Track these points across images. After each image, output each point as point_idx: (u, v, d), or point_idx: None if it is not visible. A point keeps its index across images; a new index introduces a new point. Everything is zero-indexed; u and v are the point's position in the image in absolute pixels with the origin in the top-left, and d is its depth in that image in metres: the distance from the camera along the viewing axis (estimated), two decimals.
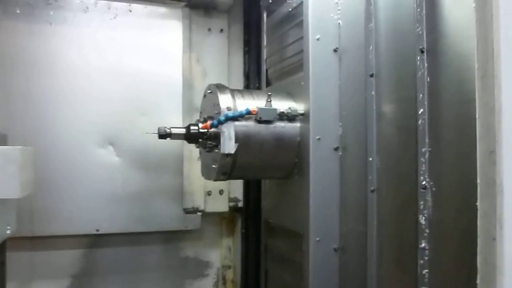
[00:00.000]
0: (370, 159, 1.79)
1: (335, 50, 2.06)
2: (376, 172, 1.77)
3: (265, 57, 2.83)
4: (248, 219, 3.08)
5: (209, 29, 3.07)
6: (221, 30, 3.10)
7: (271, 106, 2.18)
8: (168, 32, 2.93)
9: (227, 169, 2.17)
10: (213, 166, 2.20)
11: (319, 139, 2.03)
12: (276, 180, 2.55)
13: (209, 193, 3.03)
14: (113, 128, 2.81)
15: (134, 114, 2.84)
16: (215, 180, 2.28)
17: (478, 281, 1.22)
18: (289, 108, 2.20)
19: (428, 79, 1.51)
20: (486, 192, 1.22)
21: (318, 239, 2.02)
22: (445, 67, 1.45)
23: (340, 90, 2.04)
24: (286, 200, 2.44)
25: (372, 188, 1.78)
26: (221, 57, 3.09)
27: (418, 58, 1.53)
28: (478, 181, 1.25)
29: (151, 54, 2.90)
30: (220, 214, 3.19)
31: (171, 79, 2.91)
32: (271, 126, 2.18)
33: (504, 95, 1.18)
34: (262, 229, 2.81)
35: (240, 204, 3.11)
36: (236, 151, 2.08)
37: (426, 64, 1.51)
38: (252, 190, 3.05)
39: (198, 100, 2.98)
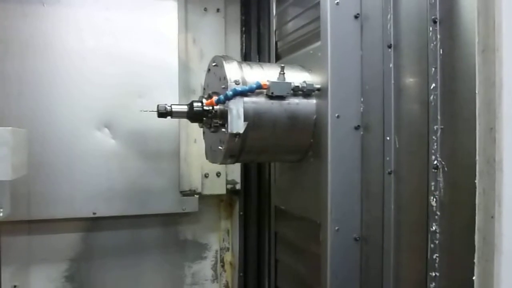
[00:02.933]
0: (388, 138, 1.63)
1: (356, 17, 1.81)
2: (394, 152, 1.61)
3: (274, 29, 2.56)
4: (246, 201, 3.03)
5: (205, 9, 2.97)
6: (218, 10, 2.99)
7: (284, 79, 1.92)
8: (163, 12, 2.81)
9: (235, 151, 1.93)
10: (220, 147, 1.95)
11: (338, 116, 1.79)
12: (288, 163, 2.32)
13: (206, 176, 2.96)
14: (109, 111, 2.72)
15: (130, 96, 2.74)
16: (221, 163, 2.08)
17: (475, 259, 1.18)
18: (304, 82, 1.94)
19: (441, 52, 1.39)
20: (485, 170, 1.17)
21: (337, 228, 1.79)
22: (459, 38, 1.34)
23: (362, 62, 1.80)
24: (299, 185, 2.20)
25: (390, 170, 1.63)
26: (218, 38, 3.00)
27: (431, 29, 1.42)
28: (477, 158, 1.22)
29: (146, 35, 2.79)
30: (218, 197, 3.13)
31: (167, 60, 2.81)
32: (284, 102, 1.93)
33: (506, 70, 1.12)
34: (271, 216, 2.60)
35: (238, 187, 3.04)
36: (245, 131, 1.83)
37: (438, 36, 1.40)
38: (250, 172, 2.99)
39: (195, 81, 2.94)
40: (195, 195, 2.94)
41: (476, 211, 1.20)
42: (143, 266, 3.01)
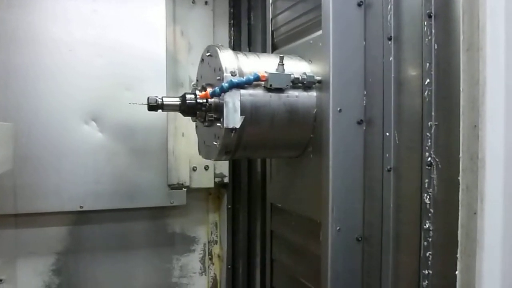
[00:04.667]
0: (387, 134, 1.57)
1: (359, 4, 1.70)
2: (393, 149, 1.55)
3: (270, 17, 2.42)
4: (235, 194, 3.03)
5: (193, 1, 2.92)
6: (206, 3, 2.95)
7: (283, 70, 1.80)
8: (151, 4, 2.75)
9: (231, 147, 1.81)
10: (214, 143, 1.84)
11: (340, 110, 1.68)
12: (286, 159, 2.20)
13: (194, 169, 2.92)
14: (96, 104, 2.66)
15: (117, 89, 2.68)
16: (216, 160, 1.99)
17: (458, 255, 1.18)
18: (304, 73, 1.82)
19: (436, 47, 1.36)
20: (468, 167, 1.19)
21: (338, 228, 1.69)
22: (454, 34, 1.30)
23: (366, 53, 1.69)
24: (298, 183, 2.08)
25: (389, 167, 1.56)
26: (206, 30, 2.96)
27: (425, 23, 1.38)
28: (461, 155, 1.23)
29: (134, 27, 2.73)
30: (206, 190, 3.10)
31: (154, 53, 2.75)
32: (283, 95, 1.83)
33: (489, 69, 1.14)
34: (267, 214, 2.50)
35: (226, 180, 3.02)
36: (241, 126, 1.72)
37: (433, 30, 1.36)
38: (239, 165, 2.97)
39: (183, 74, 2.89)
40: (183, 189, 2.90)
41: (460, 208, 1.21)
42: (131, 259, 2.97)
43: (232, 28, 3.05)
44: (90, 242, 2.88)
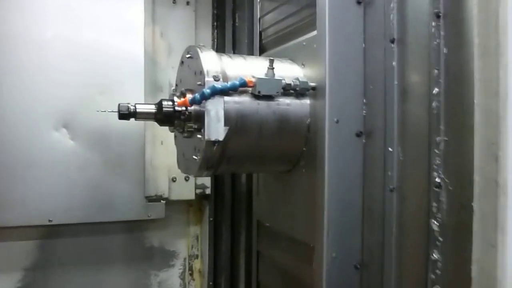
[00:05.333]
0: (390, 149, 1.39)
1: (358, 2, 1.54)
2: (397, 166, 1.37)
3: (258, 16, 2.23)
4: (217, 206, 2.88)
5: (174, 1, 2.76)
6: (188, 3, 2.79)
7: (273, 75, 1.62)
8: (129, 2, 2.57)
9: (213, 161, 1.61)
10: (194, 157, 1.64)
11: (337, 121, 1.51)
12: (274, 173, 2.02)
13: (173, 180, 2.74)
14: (67, 109, 2.45)
15: (90, 92, 2.48)
16: (197, 176, 1.75)
17: None
18: (297, 79, 1.64)
19: (445, 51, 1.20)
20: (485, 191, 1.03)
21: (334, 254, 1.51)
22: (466, 36, 1.13)
23: (366, 56, 1.52)
24: (288, 200, 1.89)
25: (392, 187, 1.39)
26: (187, 32, 2.80)
27: (433, 24, 1.21)
28: (475, 177, 1.06)
29: (110, 26, 2.54)
30: (186, 202, 2.93)
31: (132, 54, 2.56)
32: (272, 103, 1.64)
33: (511, 78, 1.00)
34: (253, 232, 2.30)
35: (208, 191, 2.86)
36: (225, 138, 1.53)
37: (442, 32, 1.20)
38: (221, 176, 2.79)
39: (162, 78, 2.73)
40: (162, 201, 2.73)
41: (473, 238, 1.04)
42: (106, 275, 2.81)
43: (216, 30, 2.91)
44: (61, 257, 2.71)
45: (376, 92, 1.48)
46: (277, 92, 1.63)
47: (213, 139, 1.52)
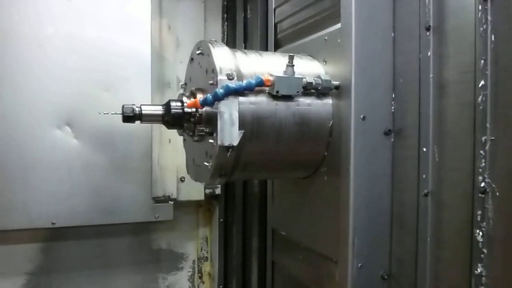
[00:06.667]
0: (424, 149, 1.26)
1: None
2: (432, 168, 1.24)
3: (273, 6, 2.05)
4: (227, 207, 2.77)
5: None
6: None
7: (293, 73, 1.46)
8: None
9: (226, 168, 1.46)
10: (206, 163, 1.49)
11: (363, 118, 1.37)
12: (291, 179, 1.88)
13: (182, 180, 2.63)
14: (70, 106, 2.34)
15: (95, 89, 2.36)
16: (209, 184, 1.63)
17: None
18: (319, 77, 1.49)
19: (493, 38, 1.05)
20: None
21: (360, 264, 1.38)
22: None
23: (395, 47, 1.38)
24: (307, 209, 1.73)
25: (426, 191, 1.26)
26: (196, 25, 2.69)
27: (479, 7, 1.06)
28: None
29: (115, 20, 2.41)
30: (195, 202, 2.83)
31: (138, 49, 2.43)
32: (292, 104, 1.48)
33: None
34: (268, 242, 2.16)
35: (218, 191, 2.74)
36: (240, 142, 1.39)
37: (490, 17, 1.05)
38: None
39: (170, 73, 2.61)
40: (170, 202, 2.62)
41: None
42: (112, 279, 2.72)
43: (226, 23, 2.79)
44: (65, 260, 2.62)
45: (407, 86, 1.34)
46: (297, 92, 1.48)
47: (226, 144, 1.38)
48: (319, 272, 1.64)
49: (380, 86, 1.39)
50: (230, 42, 2.72)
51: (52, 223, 2.36)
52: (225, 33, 2.77)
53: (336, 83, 1.48)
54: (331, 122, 1.53)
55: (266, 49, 2.18)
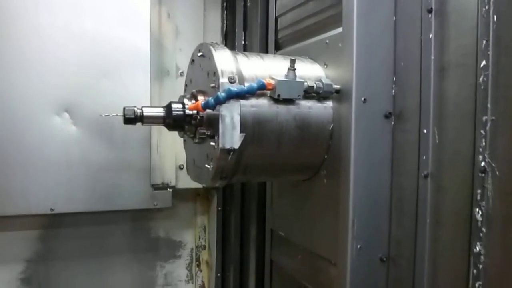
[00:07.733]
0: (425, 131, 1.26)
1: None
2: (432, 150, 1.24)
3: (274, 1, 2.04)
4: (226, 195, 2.75)
5: None
6: None
7: (295, 77, 1.46)
8: None
9: (227, 171, 1.47)
10: (207, 166, 1.50)
11: (364, 100, 1.37)
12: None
13: (180, 167, 2.61)
14: (69, 93, 2.32)
15: (93, 76, 2.35)
16: (209, 186, 1.64)
17: None
18: (320, 81, 1.49)
19: (495, 19, 1.05)
20: None
21: (359, 246, 1.39)
22: None
23: (397, 30, 1.37)
24: (307, 211, 1.74)
25: (426, 172, 1.26)
26: (195, 14, 2.66)
27: None
28: None
29: (113, 8, 2.40)
30: (194, 190, 2.82)
31: (137, 36, 2.42)
32: (293, 107, 1.49)
33: None
34: (266, 241, 2.17)
35: None
36: (241, 145, 1.39)
37: None
38: None
39: (169, 61, 2.60)
40: (168, 189, 2.61)
41: None
42: (110, 266, 2.71)
43: (225, 12, 2.74)
44: (63, 247, 2.60)
45: (408, 70, 1.33)
46: (299, 96, 1.48)
47: (228, 147, 1.38)
48: (318, 275, 1.66)
49: (381, 67, 1.39)
50: (230, 31, 2.69)
51: (51, 209, 2.35)
52: (225, 21, 2.73)
53: (337, 87, 1.48)
54: (331, 126, 1.54)
55: (266, 39, 2.17)
